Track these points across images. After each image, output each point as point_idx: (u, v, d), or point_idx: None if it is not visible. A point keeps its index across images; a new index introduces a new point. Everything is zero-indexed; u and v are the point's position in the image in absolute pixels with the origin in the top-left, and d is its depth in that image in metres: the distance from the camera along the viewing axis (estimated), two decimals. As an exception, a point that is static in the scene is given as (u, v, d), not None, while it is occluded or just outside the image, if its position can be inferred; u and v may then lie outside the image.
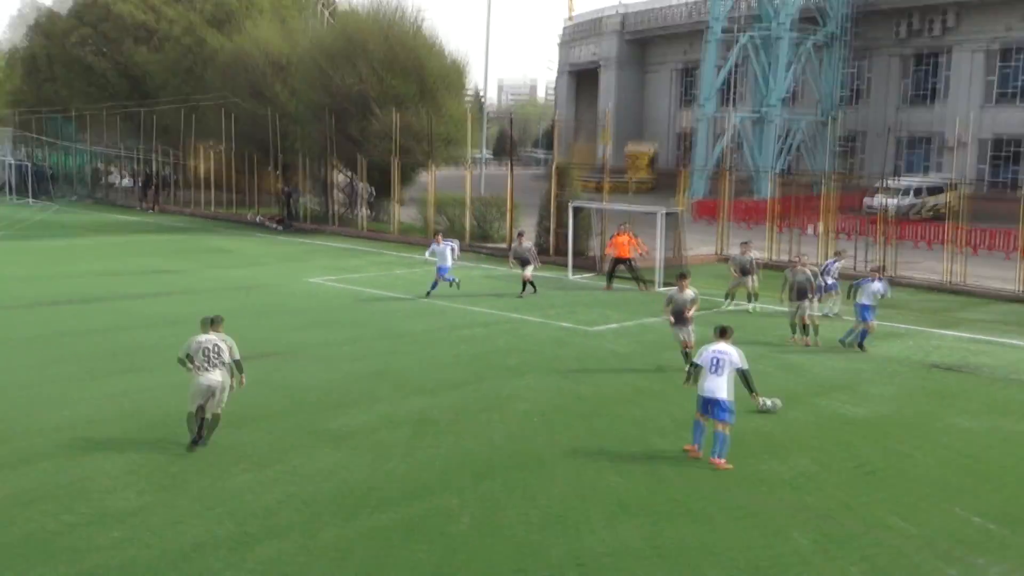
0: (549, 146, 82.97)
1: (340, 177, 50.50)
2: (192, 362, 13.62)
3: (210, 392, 13.51)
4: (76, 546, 10.40)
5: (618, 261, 28.77)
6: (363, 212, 45.90)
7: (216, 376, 13.54)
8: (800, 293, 21.14)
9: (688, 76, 72.02)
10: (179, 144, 58.12)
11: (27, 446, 13.68)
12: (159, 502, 11.68)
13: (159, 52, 61.01)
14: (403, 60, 44.18)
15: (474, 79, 50.16)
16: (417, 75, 44.29)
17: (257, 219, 49.44)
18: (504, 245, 37.28)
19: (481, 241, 38.75)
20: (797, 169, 56.46)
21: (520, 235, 29.69)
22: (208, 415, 13.61)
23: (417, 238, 40.87)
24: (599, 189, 39.30)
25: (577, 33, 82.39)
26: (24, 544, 10.45)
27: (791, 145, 59.09)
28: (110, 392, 16.57)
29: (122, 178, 69.42)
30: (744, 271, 25.57)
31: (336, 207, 48.51)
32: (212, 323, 14.15)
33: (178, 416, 15.04)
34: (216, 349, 13.66)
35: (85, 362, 18.83)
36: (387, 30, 45.34)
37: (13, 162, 67.68)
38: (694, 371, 14.17)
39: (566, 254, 32.14)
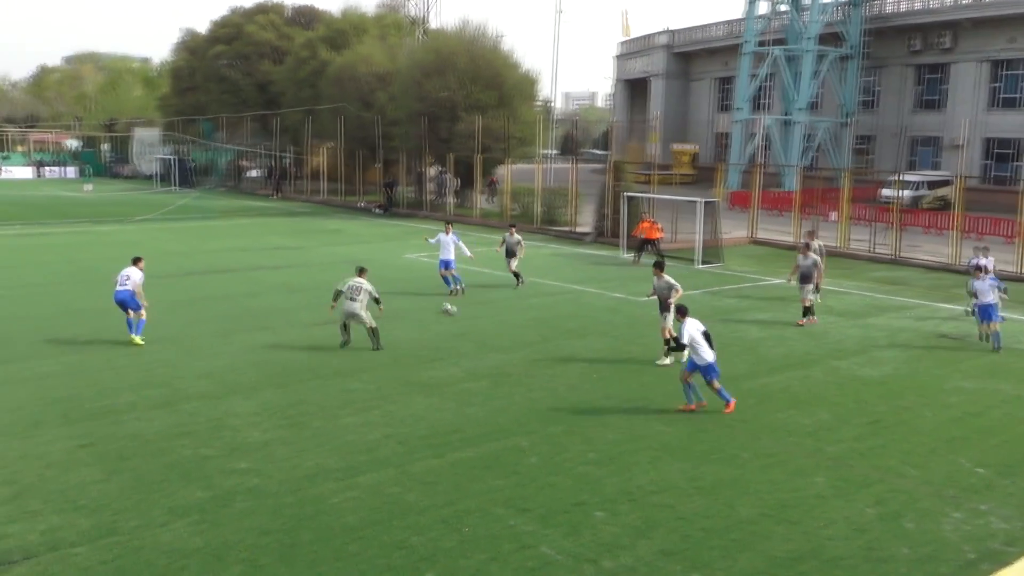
0: (607, 145, 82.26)
1: (431, 170, 50.66)
2: (344, 294, 16.48)
3: (350, 315, 16.39)
4: (211, 473, 10.57)
5: (645, 241, 29.22)
6: (450, 200, 46.00)
7: (353, 306, 16.34)
8: (805, 277, 19.73)
9: (725, 85, 70.65)
10: (299, 142, 58.86)
11: (176, 390, 13.95)
12: (280, 439, 11.81)
13: (282, 65, 61.67)
14: (485, 73, 44.05)
15: (544, 89, 49.95)
16: (496, 85, 44.13)
17: (362, 205, 49.84)
18: (567, 228, 37.11)
19: (549, 224, 38.58)
20: (819, 165, 55.14)
21: (512, 227, 25.31)
22: (366, 328, 16.58)
23: (495, 221, 40.82)
24: (648, 181, 38.82)
25: (631, 49, 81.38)
26: (169, 470, 10.64)
27: (814, 144, 57.80)
28: (243, 347, 16.81)
29: (251, 170, 70.60)
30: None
31: (428, 195, 48.72)
32: (360, 271, 16.96)
33: (298, 367, 15.27)
34: (356, 288, 16.47)
35: (223, 322, 19.13)
36: (471, 47, 45.23)
37: (161, 157, 69.30)
38: (680, 350, 13.64)
39: (619, 235, 31.93)
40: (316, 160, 57.87)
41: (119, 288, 16.81)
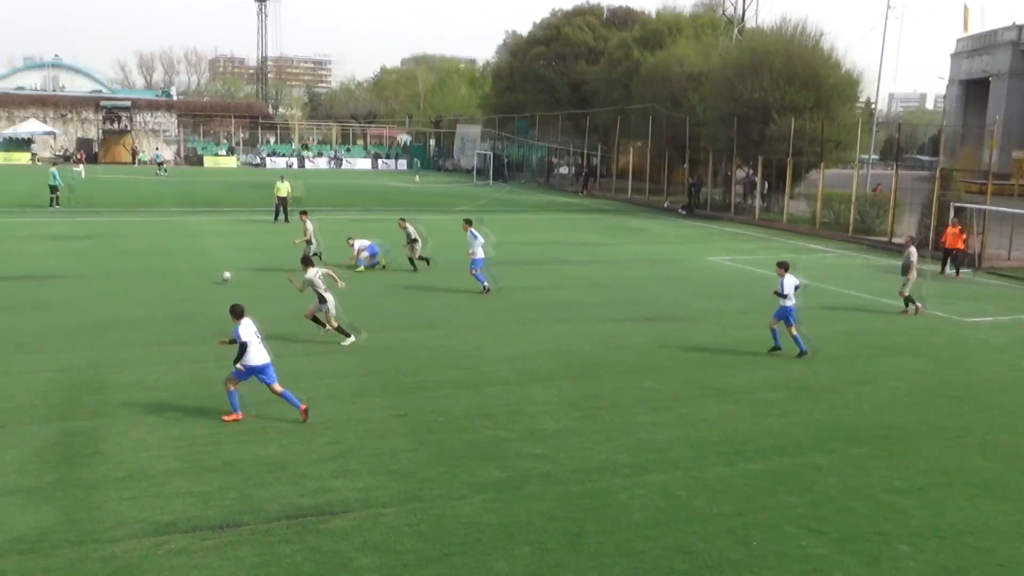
0: (934, 152, 75.95)
1: (739, 172, 49.56)
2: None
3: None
4: (507, 455, 11.04)
5: (948, 251, 27.40)
6: (758, 203, 44.73)
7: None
8: (904, 269, 19.18)
9: (1085, 86, 62.69)
10: (608, 141, 59.97)
11: (481, 372, 14.75)
12: (573, 429, 12.09)
13: (596, 66, 63.10)
14: (801, 73, 42.31)
15: (866, 89, 46.77)
16: (814, 86, 42.24)
17: (667, 205, 49.83)
18: (884, 239, 34.74)
19: (863, 234, 36.35)
20: None
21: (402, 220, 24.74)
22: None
23: (805, 228, 39.15)
24: (982, 192, 35.26)
25: (971, 46, 74.46)
26: (471, 448, 11.27)
27: None
28: (543, 337, 17.42)
29: (560, 167, 73.02)
30: None
31: (734, 198, 47.71)
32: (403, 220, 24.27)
33: (595, 361, 15.58)
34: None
35: (527, 311, 19.95)
36: (788, 46, 43.64)
37: (479, 152, 73.67)
38: (245, 351, 11.62)
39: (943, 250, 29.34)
40: (624, 159, 58.63)
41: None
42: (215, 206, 43.11)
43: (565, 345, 16.75)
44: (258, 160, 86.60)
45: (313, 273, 16.30)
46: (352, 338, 16.22)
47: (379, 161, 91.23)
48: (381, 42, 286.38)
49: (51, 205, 40.54)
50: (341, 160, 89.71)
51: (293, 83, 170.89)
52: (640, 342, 17.18)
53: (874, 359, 16.59)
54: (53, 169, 42.82)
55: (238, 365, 11.75)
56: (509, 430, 11.92)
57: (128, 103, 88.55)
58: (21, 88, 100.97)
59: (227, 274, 22.12)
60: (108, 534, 8.62)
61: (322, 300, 16.21)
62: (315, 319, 16.43)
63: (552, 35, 68.55)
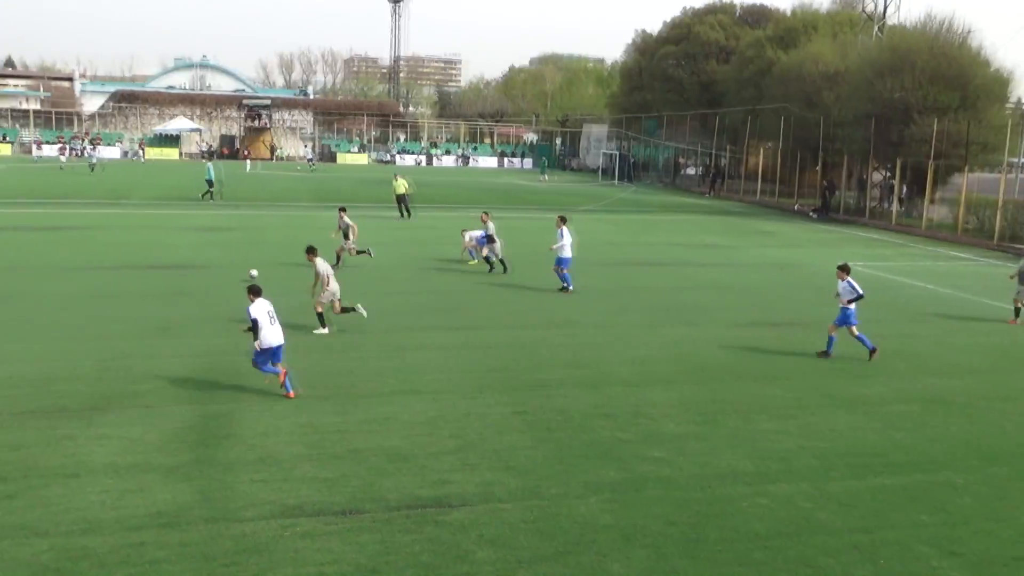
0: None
1: (876, 175, 47.69)
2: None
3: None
4: (626, 457, 10.95)
5: None
6: (895, 207, 42.94)
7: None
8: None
9: None
10: (738, 141, 58.74)
11: (601, 372, 14.70)
12: (694, 434, 11.90)
13: (728, 65, 61.90)
14: (947, 71, 40.30)
15: (1017, 89, 44.16)
16: (959, 85, 40.16)
17: (797, 208, 48.48)
18: (1033, 247, 32.84)
19: (1011, 242, 34.42)
20: None
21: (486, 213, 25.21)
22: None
23: (946, 234, 37.39)
24: None
25: None
26: (589, 448, 11.23)
27: None
28: (666, 339, 17.22)
29: (688, 167, 72.03)
30: None
31: (870, 202, 45.96)
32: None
33: (717, 365, 15.29)
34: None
35: (649, 312, 19.76)
36: (933, 43, 41.64)
37: (606, 152, 73.43)
38: (256, 327, 12.64)
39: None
40: (753, 160, 57.30)
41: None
42: (347, 202, 44.36)
43: (687, 348, 16.51)
44: (388, 157, 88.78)
45: (323, 264, 16.85)
46: (325, 330, 16.69)
47: (505, 160, 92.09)
48: (510, 41, 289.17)
49: (206, 198, 42.69)
50: (468, 158, 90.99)
51: (423, 82, 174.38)
52: (765, 348, 16.76)
53: (1017, 373, 15.69)
54: (210, 164, 45.43)
55: (256, 346, 12.70)
56: (629, 432, 11.84)
57: (268, 101, 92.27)
58: (172, 87, 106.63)
59: (253, 272, 22.03)
60: (240, 513, 9.01)
61: (324, 289, 16.63)
62: (344, 309, 16.85)
63: (683, 34, 67.63)
